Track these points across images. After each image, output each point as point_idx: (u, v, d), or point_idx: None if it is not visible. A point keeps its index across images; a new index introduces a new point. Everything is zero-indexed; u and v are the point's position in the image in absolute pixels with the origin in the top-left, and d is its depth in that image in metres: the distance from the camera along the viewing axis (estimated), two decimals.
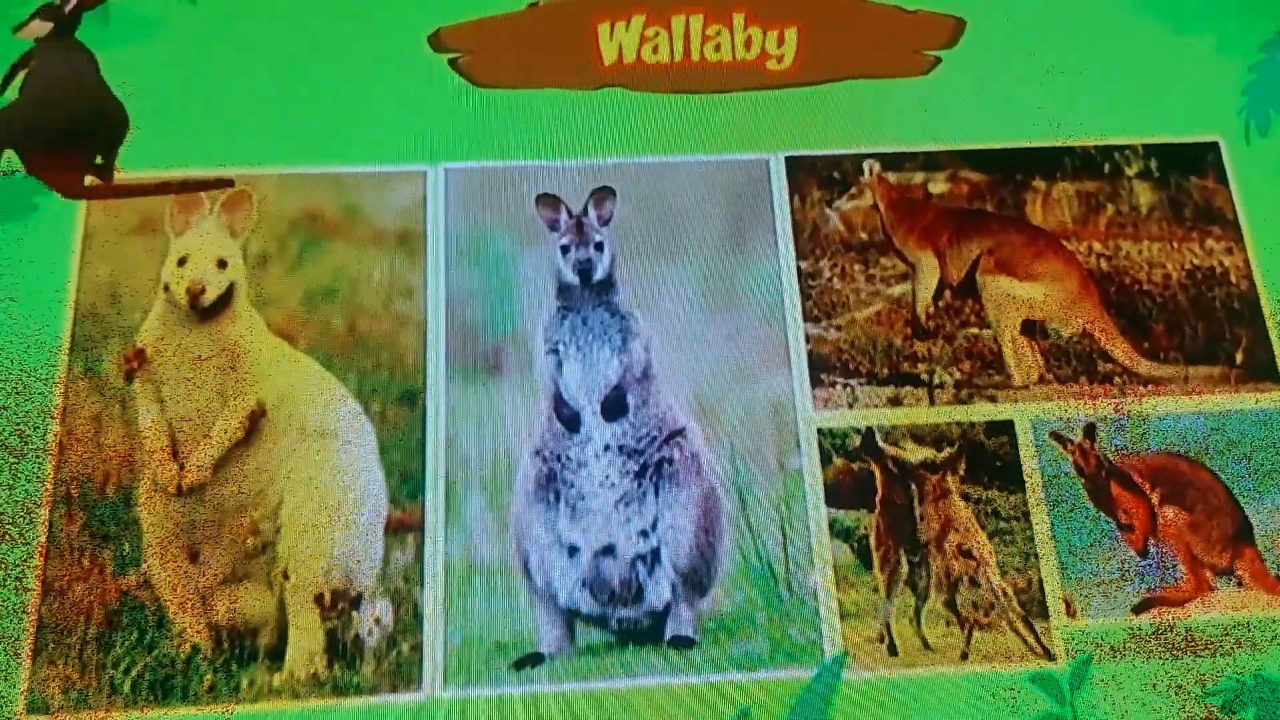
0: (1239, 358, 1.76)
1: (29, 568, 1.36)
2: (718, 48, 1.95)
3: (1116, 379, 1.67)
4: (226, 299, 1.45)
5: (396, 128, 1.86)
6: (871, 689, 1.56)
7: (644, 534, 1.64)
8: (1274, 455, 1.71)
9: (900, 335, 1.76)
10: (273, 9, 1.95)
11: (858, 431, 1.71)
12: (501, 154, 1.85)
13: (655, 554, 1.63)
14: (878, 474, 1.68)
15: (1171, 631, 1.61)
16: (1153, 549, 1.66)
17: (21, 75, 1.79)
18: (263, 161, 1.81)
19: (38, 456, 1.42)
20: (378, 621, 1.33)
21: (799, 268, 1.81)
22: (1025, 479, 1.68)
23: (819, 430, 1.71)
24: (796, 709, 1.54)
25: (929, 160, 1.88)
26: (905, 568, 1.64)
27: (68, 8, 1.86)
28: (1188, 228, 1.82)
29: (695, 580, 1.63)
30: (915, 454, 1.69)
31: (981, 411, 1.71)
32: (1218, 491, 1.69)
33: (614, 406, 1.66)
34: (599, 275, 1.70)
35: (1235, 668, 1.59)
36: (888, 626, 1.60)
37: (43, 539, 1.37)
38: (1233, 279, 1.81)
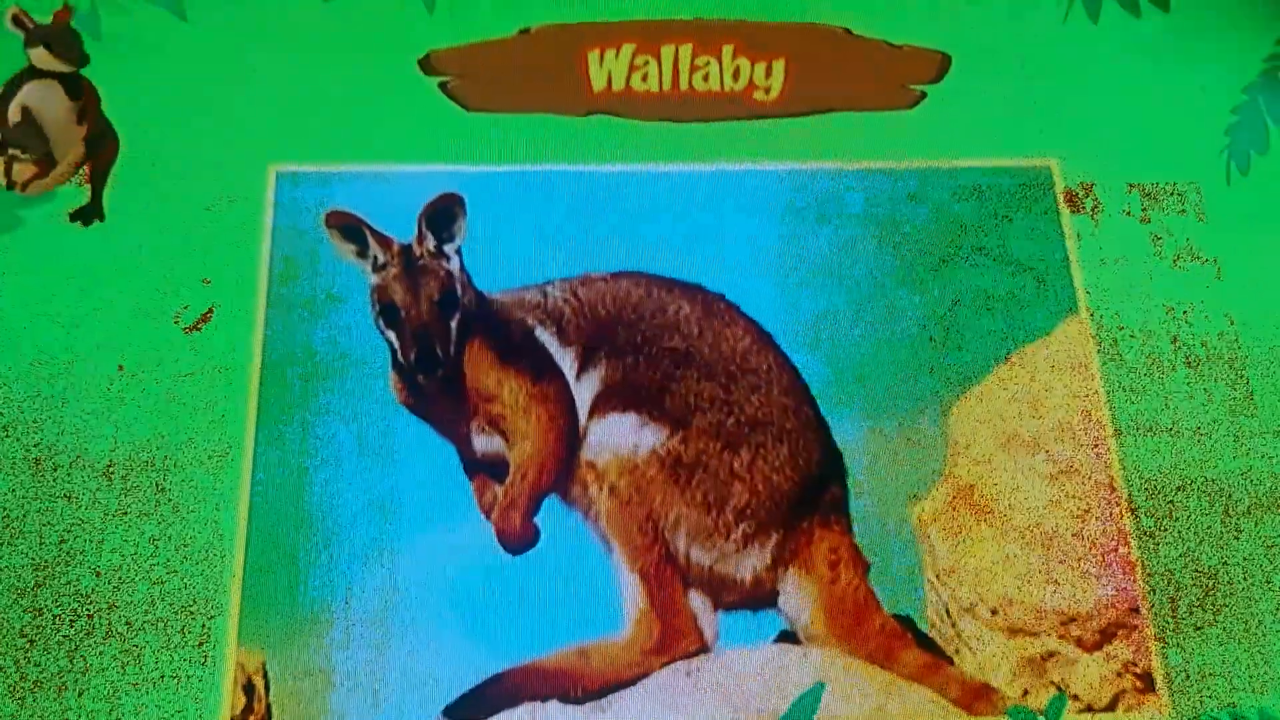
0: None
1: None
2: (706, 78, 1.96)
3: None
4: None
5: (385, 148, 1.87)
6: None
7: None
8: None
9: None
10: (265, 29, 1.96)
11: None
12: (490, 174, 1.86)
13: None
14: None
15: None
16: None
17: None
18: (252, 178, 1.83)
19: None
20: None
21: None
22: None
23: None
24: None
25: (914, 194, 1.89)
26: None
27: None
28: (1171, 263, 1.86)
29: None
30: None
31: None
32: None
33: None
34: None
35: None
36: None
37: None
38: (1210, 317, 1.83)
